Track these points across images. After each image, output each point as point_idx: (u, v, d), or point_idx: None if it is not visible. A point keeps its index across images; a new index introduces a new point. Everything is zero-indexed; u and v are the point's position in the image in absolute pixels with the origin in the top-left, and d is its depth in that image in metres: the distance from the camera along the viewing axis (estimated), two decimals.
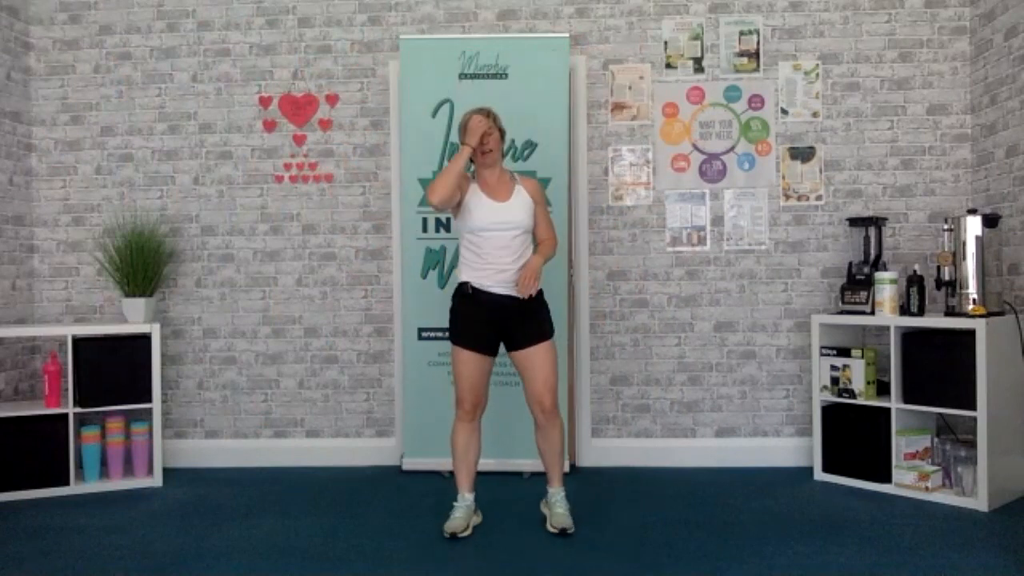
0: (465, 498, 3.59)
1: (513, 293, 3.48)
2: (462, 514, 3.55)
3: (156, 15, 4.87)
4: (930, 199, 4.68)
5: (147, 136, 4.88)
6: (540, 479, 4.30)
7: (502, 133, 3.61)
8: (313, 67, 4.84)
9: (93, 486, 4.32)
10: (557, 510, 3.57)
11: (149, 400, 4.38)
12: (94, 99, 4.89)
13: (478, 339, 3.51)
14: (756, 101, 4.71)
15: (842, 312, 4.38)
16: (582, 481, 4.36)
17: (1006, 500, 3.89)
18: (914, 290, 4.12)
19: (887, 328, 4.19)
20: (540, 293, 3.55)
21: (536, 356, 3.50)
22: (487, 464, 4.31)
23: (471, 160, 3.56)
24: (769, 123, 4.71)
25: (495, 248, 3.49)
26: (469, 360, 3.52)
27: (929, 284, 4.31)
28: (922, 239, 4.66)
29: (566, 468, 4.41)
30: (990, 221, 4.02)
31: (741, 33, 4.73)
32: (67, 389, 4.30)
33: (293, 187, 4.84)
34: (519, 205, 3.54)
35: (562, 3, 4.77)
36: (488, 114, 3.56)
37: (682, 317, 4.74)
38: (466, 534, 3.51)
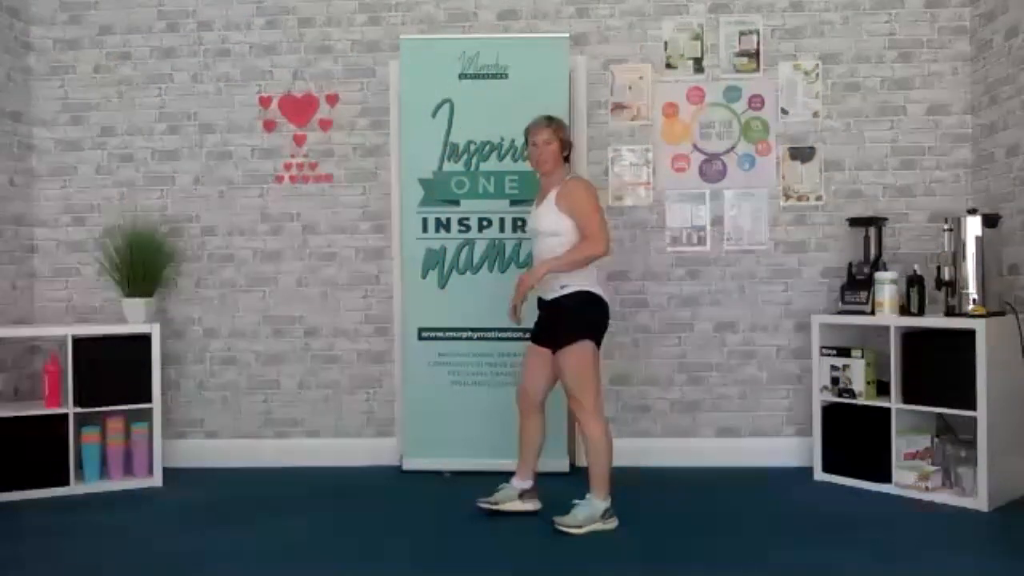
0: (510, 481, 3.79)
1: (542, 296, 3.67)
2: (498, 494, 3.76)
3: (156, 15, 4.87)
4: (930, 199, 4.68)
5: (147, 136, 4.88)
6: (540, 478, 4.30)
7: (564, 143, 3.62)
8: (313, 67, 4.84)
9: (93, 486, 4.32)
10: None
11: (149, 400, 4.38)
12: (94, 99, 4.89)
13: (535, 330, 3.75)
14: (756, 101, 4.71)
15: (842, 312, 4.38)
16: (582, 481, 4.35)
17: (1006, 500, 3.89)
18: (914, 290, 4.12)
19: (887, 328, 4.18)
20: (568, 300, 3.54)
21: (557, 359, 3.59)
22: (485, 464, 4.31)
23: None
24: (769, 123, 4.71)
25: (535, 252, 3.68)
26: (527, 349, 3.78)
27: (929, 284, 4.30)
28: (922, 239, 4.66)
29: (562, 468, 4.42)
30: (990, 221, 4.01)
31: (741, 33, 4.73)
32: (67, 389, 4.29)
33: (293, 187, 4.84)
34: (543, 210, 3.60)
35: (562, 3, 4.77)
36: (548, 123, 3.61)
37: (682, 317, 4.74)
38: (491, 507, 3.72)
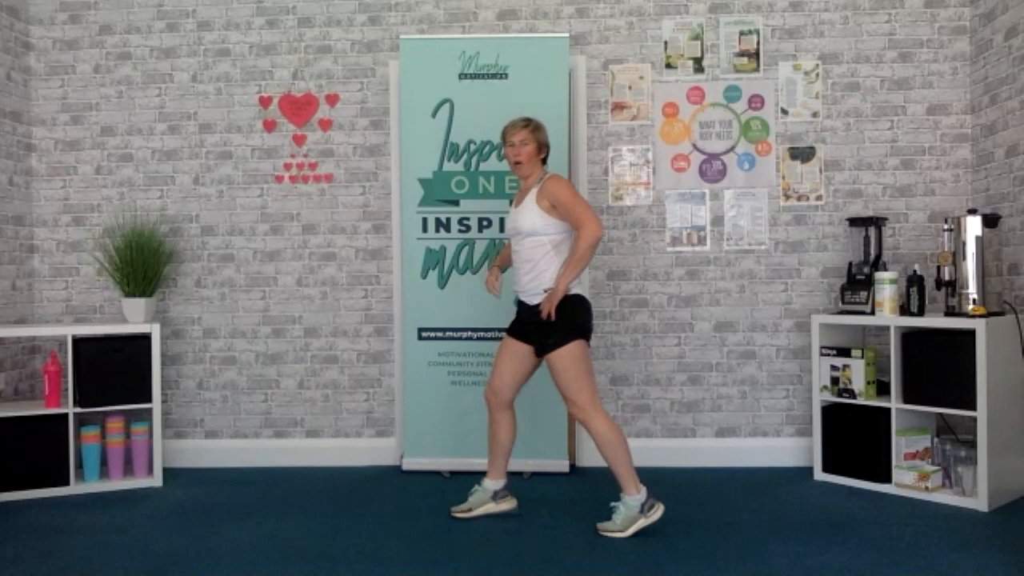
0: (481, 483, 3.76)
1: (525, 300, 3.62)
2: (471, 499, 3.75)
3: (156, 15, 4.87)
4: (930, 199, 4.68)
5: (147, 136, 4.88)
6: (540, 478, 4.31)
7: (540, 146, 3.61)
8: (313, 67, 4.84)
9: (93, 486, 4.32)
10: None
11: (149, 400, 4.38)
12: (94, 99, 4.89)
13: (512, 325, 3.71)
14: (756, 101, 4.71)
15: (842, 312, 4.38)
16: (582, 481, 4.36)
17: (1006, 500, 3.89)
18: (914, 290, 4.12)
19: (887, 328, 4.19)
20: (560, 305, 3.48)
21: (547, 362, 3.56)
22: (484, 464, 4.28)
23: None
24: (769, 123, 4.71)
25: (515, 254, 3.64)
26: (502, 341, 3.72)
27: (929, 284, 4.31)
28: (922, 239, 4.66)
29: (562, 469, 4.42)
30: (990, 221, 4.02)
31: (741, 33, 4.73)
32: (67, 389, 4.29)
33: (293, 187, 4.84)
34: (525, 209, 3.57)
35: (562, 3, 4.77)
36: (526, 124, 3.61)
37: (682, 317, 4.74)
38: (465, 515, 3.71)
